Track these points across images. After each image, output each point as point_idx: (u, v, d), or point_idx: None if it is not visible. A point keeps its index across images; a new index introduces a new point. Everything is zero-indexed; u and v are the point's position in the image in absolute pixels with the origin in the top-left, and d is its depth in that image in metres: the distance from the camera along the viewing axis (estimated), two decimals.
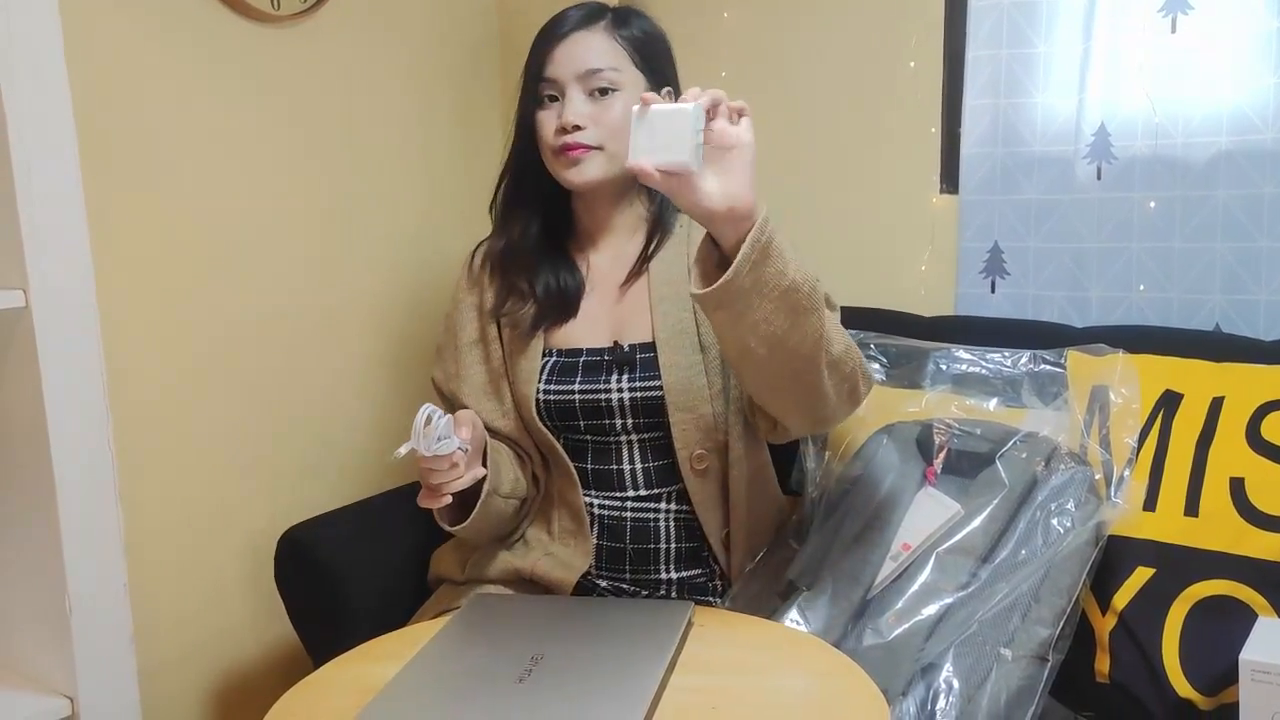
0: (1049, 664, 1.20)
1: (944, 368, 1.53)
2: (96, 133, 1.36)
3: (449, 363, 1.45)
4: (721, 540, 1.36)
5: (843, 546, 1.36)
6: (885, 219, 1.86)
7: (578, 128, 1.31)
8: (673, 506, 1.36)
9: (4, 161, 1.12)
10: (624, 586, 1.37)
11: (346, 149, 1.77)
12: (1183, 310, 1.60)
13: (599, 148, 1.33)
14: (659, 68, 1.38)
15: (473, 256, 1.50)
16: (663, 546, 1.36)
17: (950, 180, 1.80)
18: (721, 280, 1.05)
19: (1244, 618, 1.23)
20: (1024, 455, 1.36)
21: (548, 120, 1.34)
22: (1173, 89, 1.57)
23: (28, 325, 1.14)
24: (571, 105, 1.32)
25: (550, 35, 1.35)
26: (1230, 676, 1.20)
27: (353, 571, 1.46)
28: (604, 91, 1.32)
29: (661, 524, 1.36)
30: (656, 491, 1.36)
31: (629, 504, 1.36)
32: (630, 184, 1.39)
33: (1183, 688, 1.24)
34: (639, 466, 1.36)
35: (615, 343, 1.37)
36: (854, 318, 1.74)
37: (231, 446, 1.62)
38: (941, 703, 1.15)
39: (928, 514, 1.35)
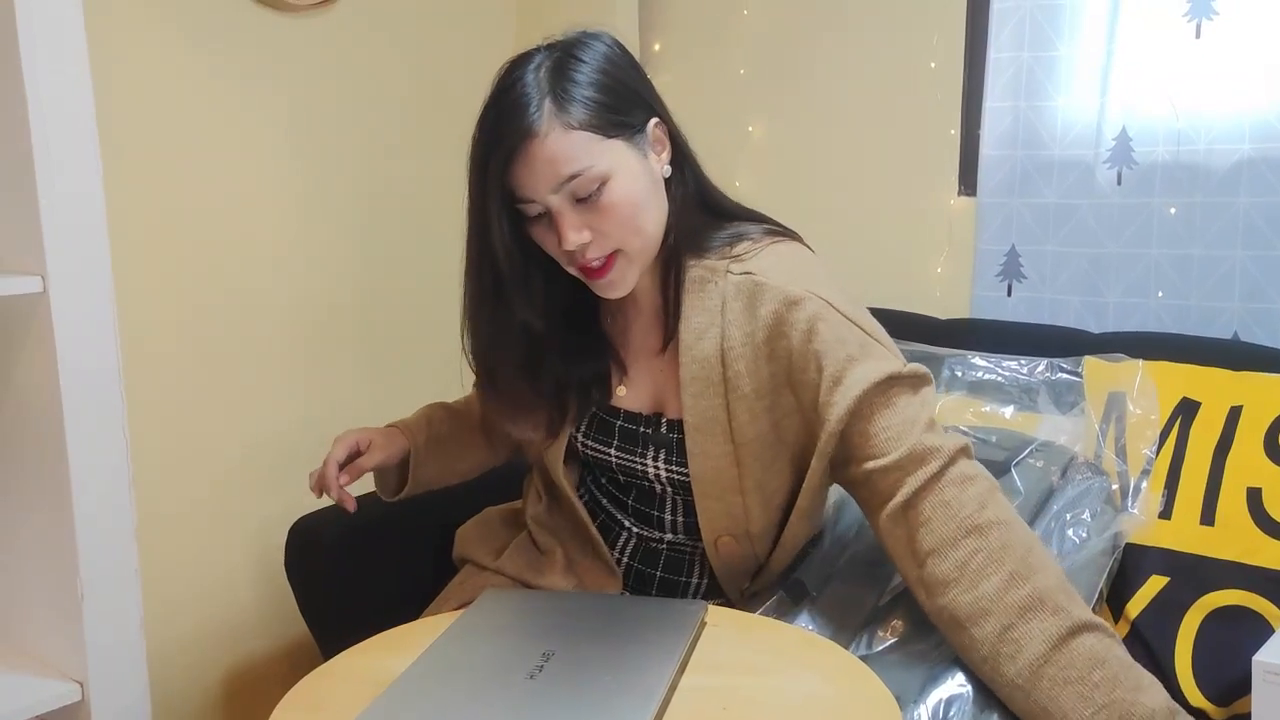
0: None
1: (960, 374, 1.52)
2: (116, 120, 1.36)
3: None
4: (743, 593, 1.32)
5: (856, 552, 1.35)
6: (902, 220, 1.85)
7: (585, 245, 1.12)
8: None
9: (24, 147, 1.12)
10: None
11: (364, 140, 1.77)
12: (1201, 318, 1.59)
13: (617, 253, 1.14)
14: (629, 113, 1.13)
15: None
16: (693, 581, 1.32)
17: (969, 182, 1.79)
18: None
19: (1258, 628, 1.22)
20: (1040, 464, 1.35)
21: (547, 239, 1.14)
22: (1196, 94, 1.56)
23: (45, 311, 1.14)
24: (567, 227, 1.10)
25: (498, 151, 1.09)
26: (1243, 687, 1.19)
27: (362, 563, 1.46)
28: (591, 197, 1.10)
29: (696, 560, 1.31)
30: (695, 540, 1.29)
31: (667, 541, 1.31)
32: (658, 258, 1.20)
33: (1195, 697, 1.23)
34: (680, 519, 1.29)
35: (656, 414, 1.25)
36: None
37: (244, 435, 1.62)
38: (954, 710, 1.14)
39: None
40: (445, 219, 1.93)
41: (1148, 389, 1.40)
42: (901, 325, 1.69)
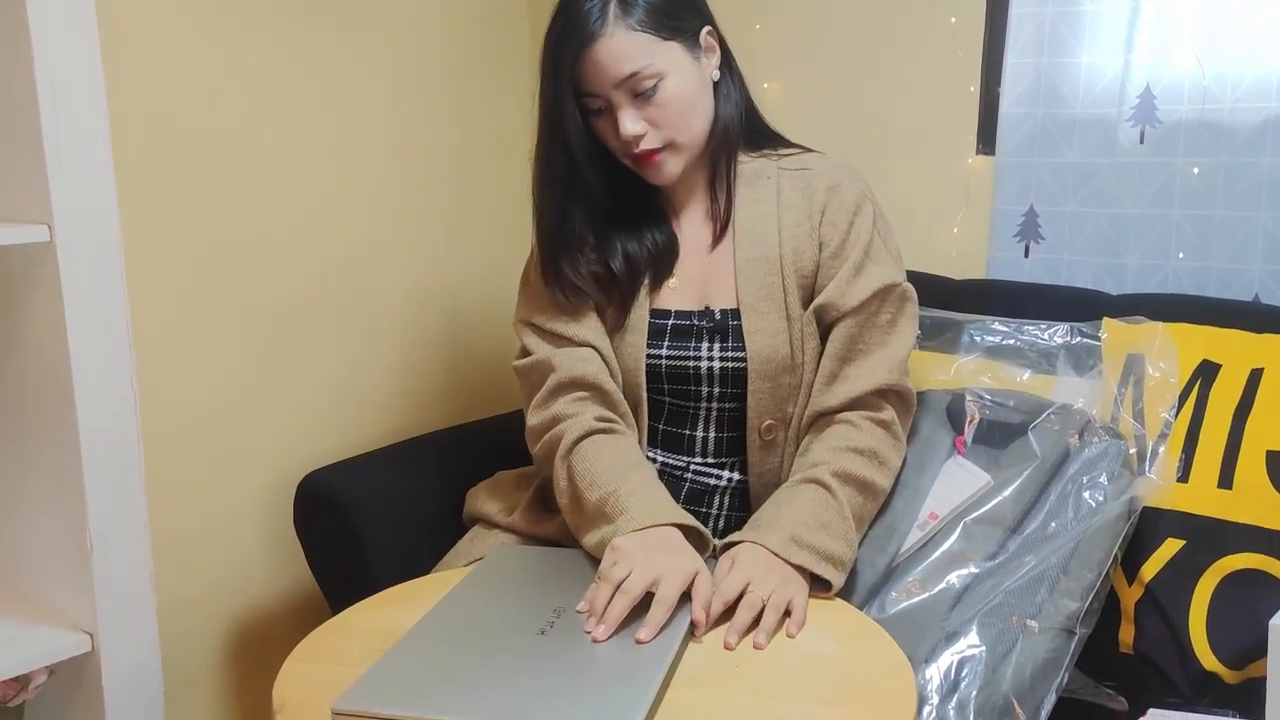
0: (1076, 637, 1.19)
1: (978, 339, 1.50)
2: (121, 67, 1.34)
3: (554, 301, 1.32)
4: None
5: None
6: (919, 179, 1.83)
7: (639, 136, 1.25)
8: (733, 476, 1.33)
9: (30, 95, 1.10)
10: None
11: (380, 115, 1.75)
12: (1222, 279, 1.57)
13: (668, 144, 1.26)
14: (685, 18, 1.27)
15: None
16: (714, 512, 1.34)
17: (987, 141, 1.76)
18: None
19: (1274, 592, 1.21)
20: (1057, 427, 1.34)
21: (606, 130, 1.28)
22: (1222, 51, 1.53)
23: (52, 260, 1.12)
24: (625, 118, 1.24)
25: (568, 48, 1.23)
26: (1257, 650, 1.19)
27: (372, 518, 1.46)
28: (648, 92, 1.23)
29: (718, 491, 1.33)
30: (721, 460, 1.33)
31: (691, 467, 1.33)
32: (703, 154, 1.32)
33: (1208, 660, 1.22)
34: (711, 435, 1.32)
35: (707, 307, 1.32)
36: None
37: (255, 388, 1.62)
38: (965, 671, 1.14)
39: (956, 484, 1.34)
40: (460, 191, 1.92)
41: (1167, 350, 1.39)
42: (918, 286, 1.66)
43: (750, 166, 1.34)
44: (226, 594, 1.62)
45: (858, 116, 1.87)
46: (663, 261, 1.34)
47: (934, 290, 1.66)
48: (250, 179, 1.58)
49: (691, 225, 1.36)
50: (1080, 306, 1.52)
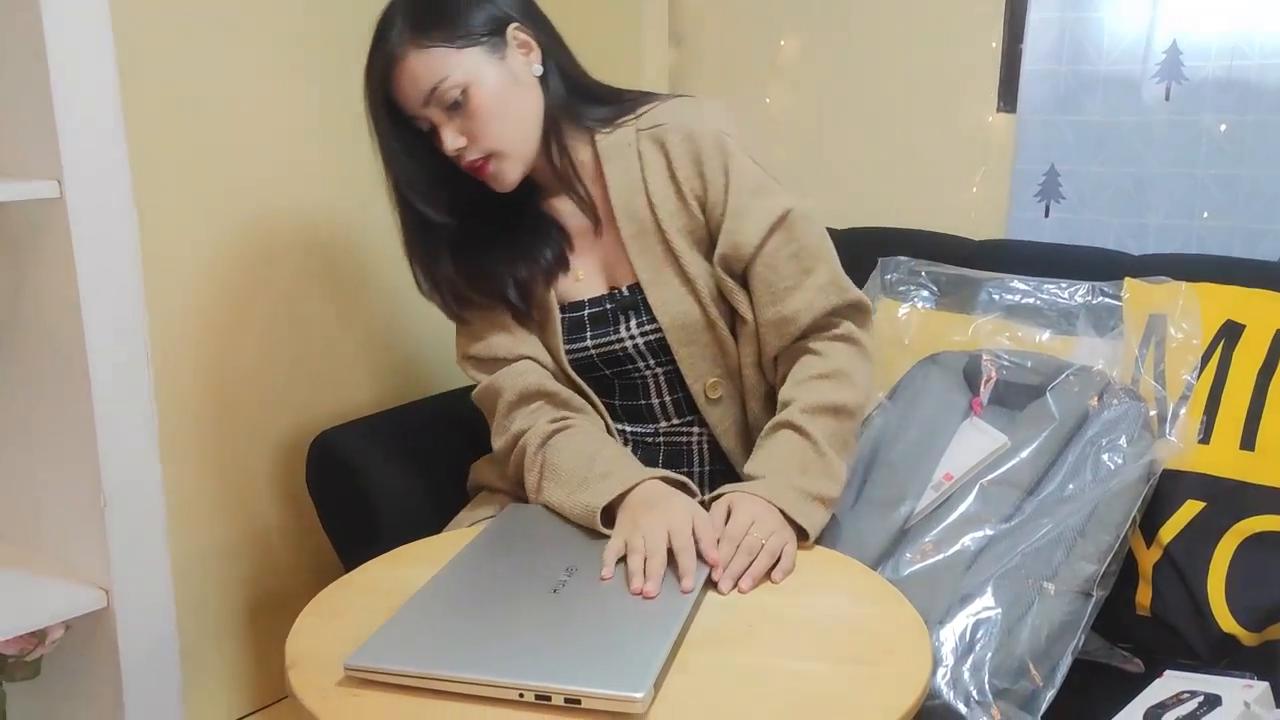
0: (1093, 600, 1.18)
1: (997, 298, 1.48)
2: (130, 20, 1.33)
3: (479, 329, 1.33)
4: (744, 461, 1.34)
5: (882, 474, 1.34)
6: (938, 137, 1.80)
7: (462, 149, 1.22)
8: (704, 430, 1.34)
9: (39, 50, 1.09)
10: None
11: None
12: (1247, 240, 1.54)
13: (492, 153, 1.23)
14: (480, 23, 1.22)
15: None
16: (695, 469, 1.35)
17: (1009, 99, 1.73)
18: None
19: None
20: (1076, 389, 1.32)
21: (438, 145, 1.24)
22: (1251, 6, 1.49)
23: (62, 216, 1.12)
24: (444, 135, 1.21)
25: (379, 83, 1.22)
26: (1277, 613, 1.18)
27: (384, 477, 1.46)
28: (457, 105, 1.20)
29: (694, 448, 1.35)
30: (686, 419, 1.34)
31: (661, 432, 1.34)
32: (543, 151, 1.28)
33: (1226, 622, 1.21)
34: (666, 399, 1.33)
35: (613, 289, 1.31)
36: (898, 241, 1.70)
37: (268, 347, 1.61)
38: (981, 633, 1.13)
39: (972, 445, 1.32)
40: None
41: (1191, 310, 1.36)
42: (934, 247, 1.65)
43: (610, 140, 1.29)
44: (242, 551, 1.63)
45: (876, 74, 1.84)
46: (553, 269, 1.32)
47: (951, 251, 1.64)
48: (267, 135, 1.57)
49: (573, 218, 1.33)
50: (1101, 267, 1.50)
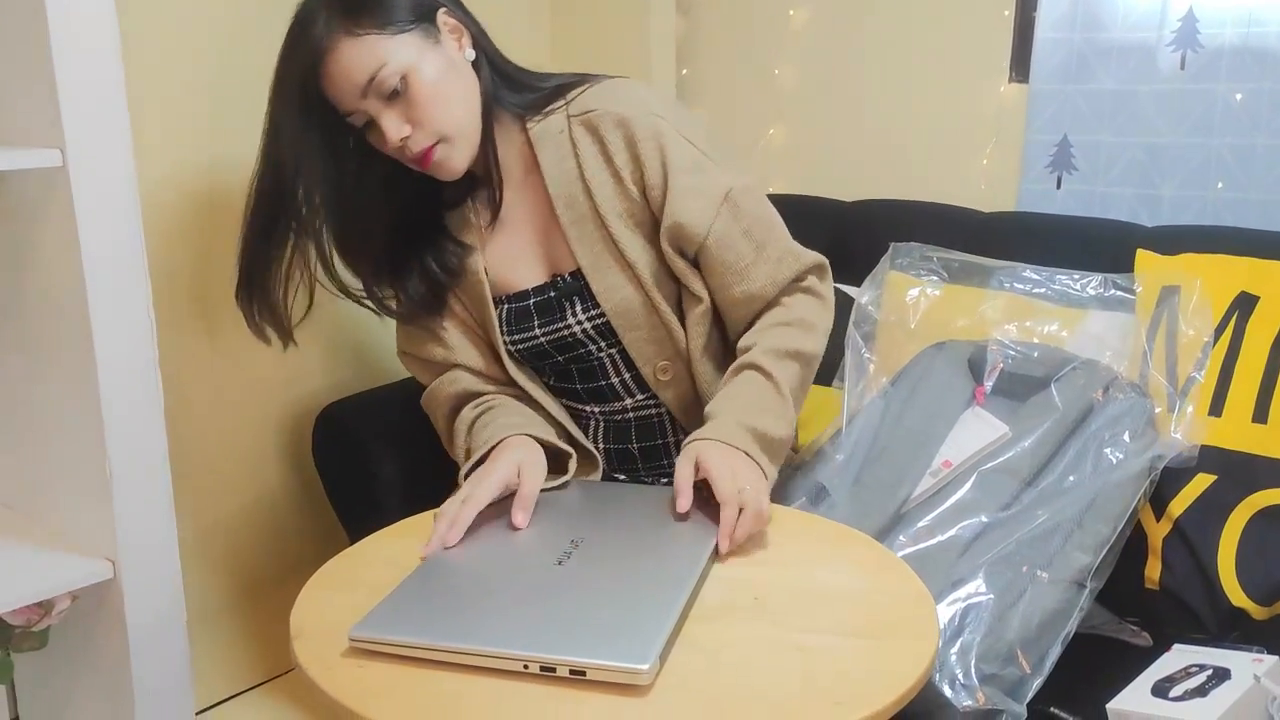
0: (1086, 590, 1.17)
1: (1007, 286, 1.46)
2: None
3: (414, 329, 1.34)
4: None
5: (881, 458, 1.33)
6: (949, 108, 1.78)
7: (406, 138, 1.19)
8: (665, 406, 1.34)
9: (40, 17, 1.08)
10: (647, 480, 1.37)
11: None
12: (1262, 211, 1.52)
13: (440, 139, 1.20)
14: (410, 10, 1.19)
15: None
16: (669, 440, 1.35)
17: (1021, 68, 1.71)
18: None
19: None
20: (1081, 381, 1.31)
21: (379, 142, 1.21)
22: None
23: (65, 186, 1.11)
24: (387, 123, 1.17)
25: (299, 70, 1.17)
26: None
27: (389, 450, 1.46)
28: (397, 91, 1.17)
29: (665, 419, 1.35)
30: (649, 393, 1.33)
31: (629, 408, 1.34)
32: (484, 135, 1.25)
33: (1236, 596, 1.21)
34: (625, 376, 1.32)
35: (554, 276, 1.29)
36: (906, 214, 1.68)
37: None
38: (970, 618, 1.12)
39: (973, 433, 1.31)
40: None
41: (1203, 309, 1.34)
42: (943, 219, 1.64)
43: (542, 127, 1.27)
44: (248, 522, 1.63)
45: (886, 43, 1.81)
46: (461, 269, 1.30)
47: (961, 223, 1.62)
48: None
49: (509, 202, 1.30)
50: (1114, 239, 1.48)
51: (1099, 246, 1.48)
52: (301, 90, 1.17)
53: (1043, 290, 1.45)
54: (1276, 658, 1.07)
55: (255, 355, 1.59)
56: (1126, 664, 1.11)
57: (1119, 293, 1.41)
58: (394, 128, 1.18)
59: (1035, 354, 1.37)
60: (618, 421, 1.35)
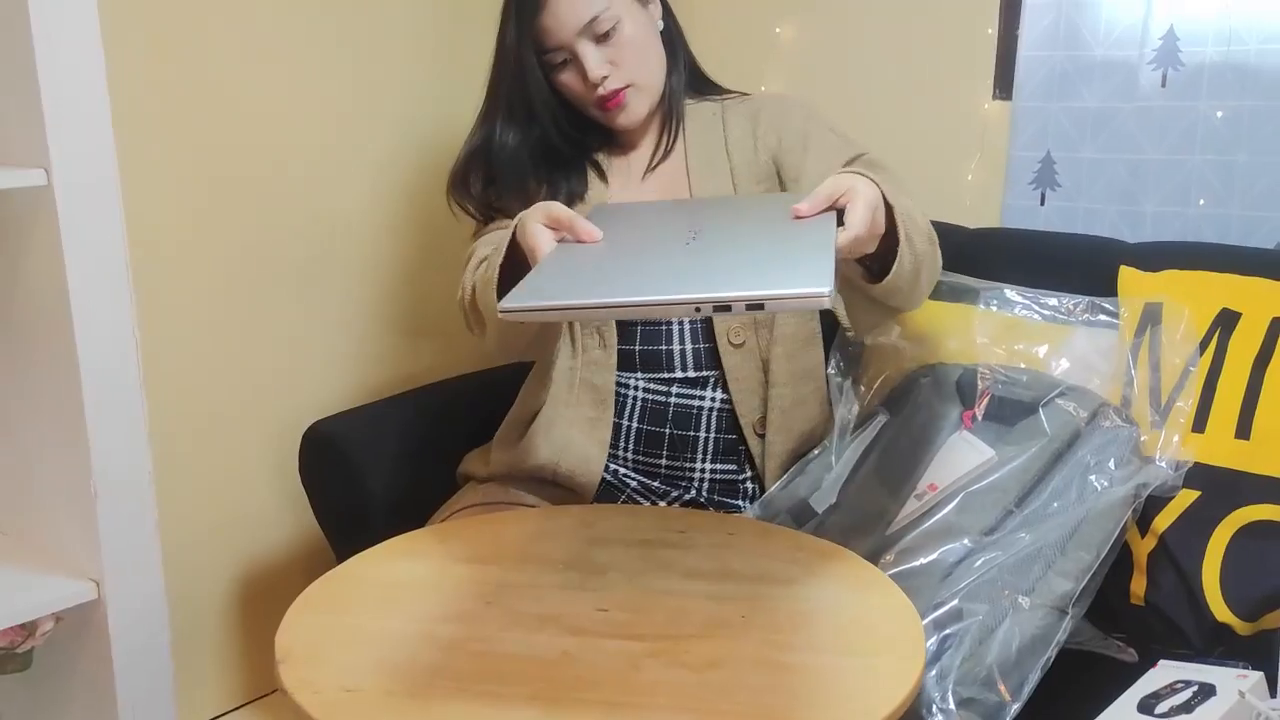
0: (1067, 618, 1.17)
1: (994, 308, 1.47)
2: (119, 20, 1.32)
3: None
4: (755, 426, 1.35)
5: (867, 480, 1.33)
6: (933, 124, 1.79)
7: (605, 77, 1.32)
8: (717, 394, 1.35)
9: (24, 37, 1.08)
10: (655, 485, 1.36)
11: (397, 56, 1.72)
12: (1243, 227, 1.53)
13: (630, 84, 1.33)
14: None
15: None
16: (702, 435, 1.35)
17: (1004, 85, 1.72)
18: (894, 271, 1.10)
19: None
20: (1069, 407, 1.31)
21: (571, 81, 1.34)
22: None
23: (50, 204, 1.11)
24: (590, 59, 1.30)
25: (530, 7, 1.30)
26: (1272, 602, 1.17)
27: (376, 467, 1.45)
28: (607, 34, 1.30)
29: (704, 413, 1.35)
30: (703, 375, 1.34)
31: (675, 387, 1.34)
32: (661, 99, 1.39)
33: (1221, 612, 1.21)
34: (688, 347, 1.34)
35: None
36: None
37: (258, 337, 1.61)
38: (950, 642, 1.12)
39: (959, 457, 1.32)
40: (450, 126, 1.89)
41: (1190, 338, 1.34)
42: None
43: (695, 108, 1.43)
44: (233, 543, 1.62)
45: (870, 60, 1.82)
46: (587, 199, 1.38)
47: (945, 239, 1.61)
48: (254, 124, 1.55)
49: (627, 156, 1.43)
50: (1096, 255, 1.49)
51: (1082, 262, 1.48)
52: (528, 15, 1.30)
53: (1030, 312, 1.45)
54: (1261, 674, 1.07)
55: (241, 375, 1.59)
56: (1113, 680, 1.11)
57: (1104, 318, 1.42)
58: (597, 65, 1.30)
59: (1024, 378, 1.37)
60: (658, 402, 1.35)
